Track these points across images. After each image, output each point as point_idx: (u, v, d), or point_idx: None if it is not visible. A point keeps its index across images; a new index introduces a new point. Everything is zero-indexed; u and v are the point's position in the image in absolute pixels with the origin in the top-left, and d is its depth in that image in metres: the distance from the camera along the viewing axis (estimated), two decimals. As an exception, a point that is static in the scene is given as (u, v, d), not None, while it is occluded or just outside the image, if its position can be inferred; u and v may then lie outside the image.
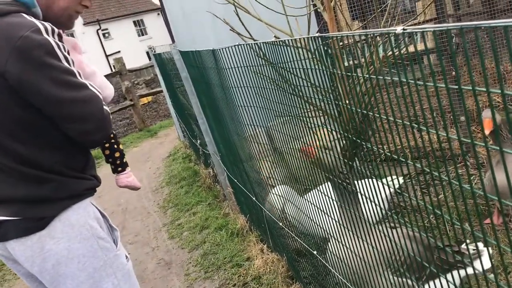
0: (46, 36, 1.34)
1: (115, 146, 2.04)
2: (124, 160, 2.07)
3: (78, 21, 32.25)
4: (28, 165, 1.45)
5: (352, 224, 1.71)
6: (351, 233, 1.70)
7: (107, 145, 2.03)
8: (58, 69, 1.36)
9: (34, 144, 1.44)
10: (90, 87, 1.45)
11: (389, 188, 1.44)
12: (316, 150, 1.88)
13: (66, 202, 1.51)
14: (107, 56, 33.00)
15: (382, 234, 1.47)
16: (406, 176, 2.85)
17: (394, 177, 1.98)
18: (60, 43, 1.39)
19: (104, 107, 1.51)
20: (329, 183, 1.92)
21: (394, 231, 1.43)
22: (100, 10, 34.71)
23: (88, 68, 1.63)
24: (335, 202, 1.84)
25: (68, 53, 1.43)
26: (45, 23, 1.38)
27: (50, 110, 1.40)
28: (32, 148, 1.44)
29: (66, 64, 1.39)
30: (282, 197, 2.64)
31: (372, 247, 1.56)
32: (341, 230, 1.79)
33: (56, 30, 1.41)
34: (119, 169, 2.05)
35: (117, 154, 2.03)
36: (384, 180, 1.44)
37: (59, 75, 1.36)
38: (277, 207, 2.73)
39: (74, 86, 1.39)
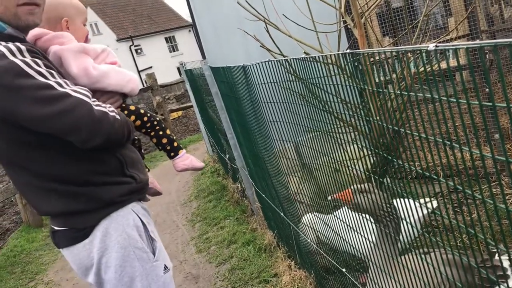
0: (12, 59, 1.31)
1: (160, 132, 2.03)
2: (175, 145, 2.05)
3: (112, 37, 33.18)
4: (57, 183, 1.48)
5: (387, 248, 1.68)
6: (385, 255, 1.67)
7: (152, 133, 2.01)
8: (32, 87, 1.31)
9: (54, 162, 1.46)
10: (73, 93, 1.37)
11: (426, 208, 1.41)
12: (352, 194, 1.87)
13: (104, 211, 1.53)
14: (139, 71, 33.71)
15: (416, 260, 1.43)
16: (438, 195, 2.79)
17: (427, 199, 1.94)
18: (30, 60, 1.34)
19: (98, 108, 1.42)
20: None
21: (428, 256, 1.39)
22: (133, 27, 35.61)
23: (95, 71, 1.60)
24: (367, 224, 1.82)
25: (46, 66, 1.38)
26: (10, 45, 1.33)
27: (41, 128, 1.37)
28: (54, 166, 1.46)
29: (40, 79, 1.33)
30: (313, 226, 2.61)
31: (408, 270, 1.52)
32: (375, 251, 1.76)
33: (23, 48, 1.35)
34: (172, 154, 2.05)
35: (164, 140, 2.03)
36: (417, 201, 1.41)
37: (34, 93, 1.31)
38: (311, 237, 2.70)
39: (52, 100, 1.33)
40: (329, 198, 2.03)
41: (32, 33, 1.58)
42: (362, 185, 1.79)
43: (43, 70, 1.36)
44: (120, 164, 1.58)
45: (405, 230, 1.54)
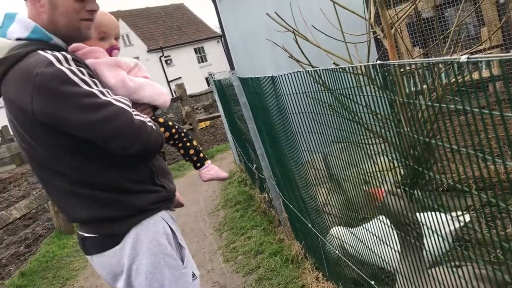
0: (59, 66, 1.36)
1: (188, 144, 2.08)
2: (201, 155, 2.11)
3: (143, 48, 33.89)
4: (91, 189, 1.50)
5: (415, 261, 1.65)
6: (414, 267, 1.65)
7: (180, 144, 2.07)
8: (77, 94, 1.37)
9: (90, 168, 1.49)
10: (115, 102, 1.44)
11: (458, 222, 1.39)
12: (385, 194, 1.85)
13: (136, 218, 1.56)
14: (168, 82, 34.27)
15: (447, 274, 1.40)
16: (470, 208, 2.73)
17: (459, 212, 1.91)
18: (75, 69, 1.40)
19: (137, 117, 1.48)
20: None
21: (460, 270, 1.37)
22: (163, 38, 36.28)
23: (132, 82, 1.65)
24: (396, 237, 1.80)
25: (89, 75, 1.44)
26: (57, 54, 1.40)
27: (84, 135, 1.42)
28: (90, 172, 1.49)
29: (85, 87, 1.39)
30: (341, 238, 2.59)
31: (438, 283, 1.50)
32: (402, 263, 1.74)
33: (69, 57, 1.41)
34: (198, 164, 2.11)
35: (191, 151, 2.08)
36: (448, 215, 1.39)
37: (79, 100, 1.37)
38: (339, 249, 2.67)
39: (96, 107, 1.39)
40: (363, 189, 2.01)
41: (70, 47, 1.64)
42: (396, 189, 1.78)
43: (87, 78, 1.42)
44: (151, 173, 1.62)
45: (435, 243, 1.51)
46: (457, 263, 1.53)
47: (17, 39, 1.45)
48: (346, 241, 2.54)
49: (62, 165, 1.48)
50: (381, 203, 1.84)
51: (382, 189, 1.85)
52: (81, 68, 1.43)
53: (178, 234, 1.71)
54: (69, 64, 1.40)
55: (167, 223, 1.65)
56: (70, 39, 1.54)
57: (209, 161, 2.14)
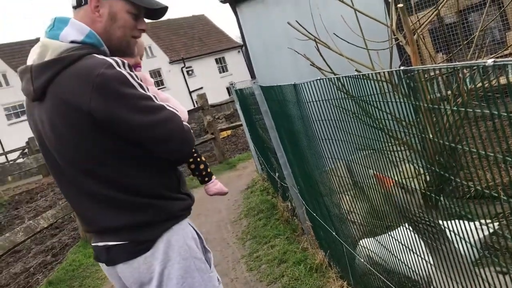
0: (119, 69, 1.43)
1: (198, 159, 2.14)
2: (209, 170, 2.18)
3: (165, 60, 34.35)
4: (127, 193, 1.52)
5: (446, 266, 1.62)
6: (444, 276, 1.61)
7: (191, 159, 2.13)
8: (136, 97, 1.44)
9: (129, 172, 1.52)
10: (168, 107, 1.52)
11: (487, 230, 1.36)
12: (392, 183, 1.84)
13: (167, 224, 1.58)
14: (190, 92, 34.60)
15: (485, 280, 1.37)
16: (499, 215, 2.66)
17: (488, 220, 1.87)
18: (132, 73, 1.47)
19: (184, 123, 1.57)
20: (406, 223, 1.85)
21: (502, 276, 1.33)
22: (185, 49, 36.70)
23: (162, 94, 1.72)
24: (421, 241, 1.77)
25: (141, 80, 1.51)
26: (116, 58, 1.46)
27: (136, 136, 1.47)
28: (128, 176, 1.52)
29: (141, 90, 1.46)
30: (368, 247, 2.56)
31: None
32: (434, 273, 1.70)
33: (126, 62, 1.49)
34: (206, 179, 2.16)
35: (201, 166, 2.15)
36: (477, 223, 1.36)
37: (137, 102, 1.44)
38: (365, 258, 2.65)
39: (153, 110, 1.46)
40: (371, 172, 2.00)
41: None
42: (407, 183, 1.75)
43: (142, 83, 1.50)
44: (178, 182, 1.66)
45: (463, 251, 1.48)
46: (503, 269, 1.49)
47: (71, 42, 1.49)
48: (374, 251, 2.51)
49: (104, 168, 1.50)
50: (386, 191, 1.83)
51: (391, 179, 1.83)
52: (136, 73, 1.51)
53: (203, 239, 1.75)
54: (125, 68, 1.46)
55: (193, 228, 1.70)
56: (118, 52, 1.60)
57: (214, 176, 2.22)
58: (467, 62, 0.95)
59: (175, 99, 1.79)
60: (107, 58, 1.45)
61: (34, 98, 1.50)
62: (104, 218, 1.57)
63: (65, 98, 1.43)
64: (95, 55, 1.46)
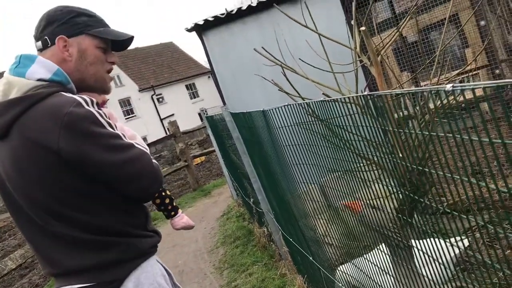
0: (87, 108, 1.41)
1: (163, 193, 2.11)
2: (175, 204, 2.15)
3: (134, 88, 34.18)
4: (92, 233, 1.48)
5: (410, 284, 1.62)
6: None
7: (156, 194, 2.09)
8: (105, 135, 1.42)
9: (96, 211, 1.48)
10: (136, 145, 1.51)
11: (458, 248, 1.36)
12: (362, 206, 1.85)
13: (135, 262, 1.54)
14: (161, 119, 34.40)
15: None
16: (473, 228, 2.69)
17: (458, 238, 1.89)
18: (101, 111, 1.45)
19: (153, 160, 1.56)
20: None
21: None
22: (154, 77, 36.63)
23: (128, 132, 1.70)
24: (389, 260, 1.77)
25: (109, 118, 1.49)
26: (84, 96, 1.44)
27: (105, 175, 1.44)
28: (95, 215, 1.48)
29: (110, 129, 1.44)
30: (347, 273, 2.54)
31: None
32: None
33: (94, 100, 1.47)
34: (172, 213, 2.12)
35: (167, 200, 2.12)
36: (448, 241, 1.37)
37: (107, 141, 1.41)
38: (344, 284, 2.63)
39: (122, 148, 1.45)
40: (342, 203, 2.00)
41: None
42: (376, 201, 1.76)
43: (110, 121, 1.47)
44: (145, 219, 1.63)
45: (436, 271, 1.48)
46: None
47: (38, 80, 1.46)
48: (353, 276, 2.50)
49: (70, 208, 1.45)
50: (360, 215, 1.83)
51: (360, 201, 1.85)
52: (104, 111, 1.48)
53: (172, 275, 1.72)
54: (94, 107, 1.44)
55: (162, 265, 1.66)
56: (94, 89, 1.60)
57: (180, 210, 2.17)
58: (428, 87, 0.96)
59: (139, 137, 1.77)
60: (75, 96, 1.42)
61: None
62: (69, 259, 1.51)
63: (32, 137, 1.38)
64: (63, 93, 1.44)
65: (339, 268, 2.67)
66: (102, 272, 1.50)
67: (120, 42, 1.66)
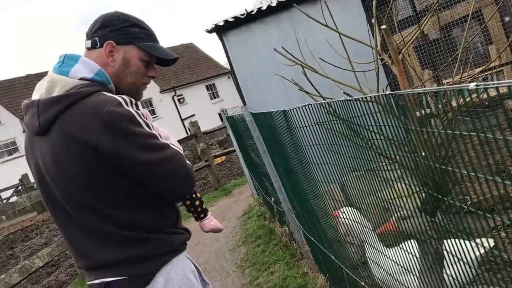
0: (127, 107, 1.46)
1: (194, 195, 2.13)
2: (204, 206, 2.16)
3: (155, 89, 34.51)
4: (127, 228, 1.53)
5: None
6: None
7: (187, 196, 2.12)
8: (143, 135, 1.47)
9: (130, 207, 1.53)
10: (172, 146, 1.55)
11: (483, 248, 1.36)
12: (396, 223, 1.84)
13: (166, 257, 1.58)
14: (182, 120, 34.65)
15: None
16: (499, 228, 2.66)
17: (483, 238, 1.88)
18: (139, 111, 1.51)
19: (187, 161, 1.60)
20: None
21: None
22: (175, 78, 36.91)
23: (163, 132, 1.74)
24: (417, 263, 1.76)
25: (147, 119, 1.54)
26: (124, 96, 1.50)
27: (140, 173, 1.49)
28: (129, 211, 1.53)
29: (147, 129, 1.50)
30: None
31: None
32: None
33: (133, 100, 1.52)
34: (202, 215, 2.14)
35: (197, 203, 2.13)
36: (472, 241, 1.36)
37: (144, 140, 1.47)
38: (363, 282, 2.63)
39: (158, 148, 1.49)
40: (377, 231, 1.99)
41: None
42: (404, 211, 1.75)
43: (148, 122, 1.54)
44: (176, 218, 1.69)
45: (461, 271, 1.47)
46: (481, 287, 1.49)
47: (80, 79, 1.52)
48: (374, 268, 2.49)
49: (105, 204, 1.51)
50: (398, 233, 1.82)
51: (391, 220, 1.84)
52: (142, 112, 1.54)
53: (201, 271, 1.76)
54: (133, 107, 1.50)
55: (191, 261, 1.70)
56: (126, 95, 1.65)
57: (209, 212, 2.18)
58: (451, 86, 0.97)
59: (173, 138, 1.81)
60: (116, 96, 1.48)
61: (38, 132, 1.52)
62: (102, 253, 1.56)
63: (72, 133, 1.44)
64: (103, 92, 1.50)
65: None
66: (134, 266, 1.55)
67: (165, 60, 1.72)
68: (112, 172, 1.47)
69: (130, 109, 1.47)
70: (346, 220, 2.58)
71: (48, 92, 1.51)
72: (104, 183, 1.48)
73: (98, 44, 1.60)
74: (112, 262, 1.55)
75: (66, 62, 1.56)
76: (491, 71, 4.14)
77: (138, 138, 1.46)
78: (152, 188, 1.54)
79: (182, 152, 1.60)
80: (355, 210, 2.49)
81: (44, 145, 1.52)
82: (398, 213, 1.79)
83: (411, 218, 1.78)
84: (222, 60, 40.93)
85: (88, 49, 1.63)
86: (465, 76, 3.20)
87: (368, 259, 2.52)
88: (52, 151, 1.49)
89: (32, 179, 19.66)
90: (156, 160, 1.48)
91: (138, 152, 1.45)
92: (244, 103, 6.72)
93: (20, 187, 19.95)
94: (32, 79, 32.90)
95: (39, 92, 1.55)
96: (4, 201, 19.35)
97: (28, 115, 1.55)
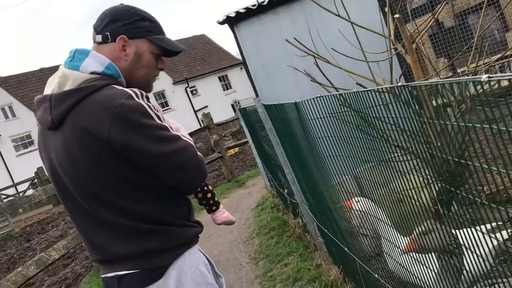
0: (138, 100, 1.47)
1: (205, 188, 2.12)
2: (216, 199, 2.16)
3: (168, 81, 34.63)
4: (139, 221, 1.54)
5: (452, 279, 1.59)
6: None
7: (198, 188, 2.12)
8: (154, 127, 1.48)
9: (142, 199, 1.54)
10: (183, 137, 1.56)
11: (496, 239, 1.33)
12: (417, 239, 1.82)
13: (179, 250, 1.59)
14: (195, 111, 34.75)
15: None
16: (510, 222, 2.62)
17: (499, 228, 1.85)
18: (150, 104, 1.51)
19: (198, 153, 1.60)
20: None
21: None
22: (188, 69, 36.98)
23: (174, 124, 1.74)
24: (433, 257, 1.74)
25: (158, 111, 1.55)
26: (134, 89, 1.51)
27: (152, 165, 1.50)
28: (141, 203, 1.53)
29: (158, 121, 1.51)
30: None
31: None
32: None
33: (144, 93, 1.54)
34: (214, 208, 2.14)
35: (209, 195, 2.13)
36: (486, 229, 1.34)
37: (155, 132, 1.48)
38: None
39: (169, 140, 1.50)
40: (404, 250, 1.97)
41: None
42: (423, 226, 1.73)
43: (159, 114, 1.55)
44: (189, 210, 1.69)
45: (474, 263, 1.45)
46: (493, 280, 1.46)
47: (91, 73, 1.54)
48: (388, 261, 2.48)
49: (118, 196, 1.52)
50: (420, 249, 1.80)
51: (411, 237, 1.82)
52: (153, 104, 1.55)
53: (213, 264, 1.75)
54: (143, 100, 1.51)
55: (204, 254, 1.70)
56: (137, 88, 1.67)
57: (221, 205, 2.18)
58: (464, 78, 0.94)
59: (184, 130, 1.81)
60: (127, 89, 1.50)
61: (51, 126, 1.53)
62: (115, 246, 1.57)
63: (84, 127, 1.46)
64: (114, 86, 1.52)
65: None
66: (147, 259, 1.55)
67: (171, 51, 1.73)
68: (125, 164, 1.48)
69: (141, 101, 1.48)
70: (358, 211, 2.56)
71: (60, 86, 1.52)
72: (116, 175, 1.49)
73: (110, 39, 1.61)
74: (125, 255, 1.56)
75: (77, 57, 1.57)
76: (507, 59, 4.06)
77: (150, 130, 1.47)
78: (164, 180, 1.55)
79: (193, 143, 1.61)
80: (368, 200, 2.47)
81: (57, 139, 1.53)
82: (417, 229, 1.76)
83: (431, 232, 1.75)
84: (234, 50, 40.83)
85: (99, 43, 1.63)
86: (480, 65, 3.14)
87: (383, 252, 2.50)
88: (64, 145, 1.50)
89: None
90: (168, 151, 1.49)
91: (150, 144, 1.46)
92: (257, 94, 6.71)
93: (36, 180, 20.24)
94: (46, 73, 33.27)
95: (50, 87, 1.56)
96: (21, 194, 19.65)
97: (41, 110, 1.56)
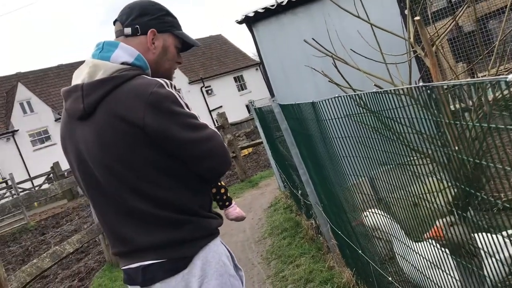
0: (169, 89, 1.53)
1: (219, 183, 2.14)
2: (229, 195, 2.17)
3: (184, 80, 34.83)
4: (167, 210, 1.55)
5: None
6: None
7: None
8: (184, 114, 1.53)
9: (172, 188, 1.56)
10: (210, 126, 1.61)
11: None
12: (444, 229, 1.80)
13: (203, 241, 1.61)
14: (210, 111, 34.88)
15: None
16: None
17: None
18: (179, 93, 1.57)
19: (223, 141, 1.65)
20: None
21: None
22: (204, 69, 37.14)
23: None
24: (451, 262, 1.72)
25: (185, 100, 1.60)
26: (164, 79, 1.56)
27: (182, 152, 1.54)
28: (171, 192, 1.56)
29: (187, 109, 1.56)
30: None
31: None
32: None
33: (172, 83, 1.59)
34: (227, 203, 2.15)
35: (222, 190, 2.14)
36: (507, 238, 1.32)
37: (186, 120, 1.53)
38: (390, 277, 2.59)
39: (199, 127, 1.56)
40: (425, 236, 1.94)
41: None
42: (450, 218, 1.71)
43: (187, 103, 1.60)
44: (210, 202, 1.72)
45: (492, 268, 1.43)
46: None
47: (121, 63, 1.59)
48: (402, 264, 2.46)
49: (149, 184, 1.54)
50: (446, 239, 1.77)
51: (436, 225, 1.79)
52: (180, 95, 1.60)
53: (234, 256, 1.77)
54: (173, 89, 1.57)
55: (225, 246, 1.72)
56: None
57: (234, 201, 2.19)
58: (487, 78, 0.93)
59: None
60: (157, 79, 1.55)
61: (82, 115, 1.56)
62: (142, 236, 1.58)
63: (118, 113, 1.50)
64: (144, 76, 1.58)
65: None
66: (173, 249, 1.57)
67: (189, 46, 1.82)
68: (157, 151, 1.52)
69: (172, 90, 1.54)
70: (371, 223, 2.55)
71: (91, 76, 1.56)
72: (149, 161, 1.53)
73: (140, 32, 1.67)
74: (151, 245, 1.57)
75: (106, 48, 1.62)
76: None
77: (181, 118, 1.52)
78: (191, 167, 1.58)
79: (219, 133, 1.65)
80: (379, 211, 2.45)
81: (87, 129, 1.56)
82: (444, 219, 1.74)
83: (459, 225, 1.73)
84: (250, 51, 40.89)
85: (126, 35, 1.68)
86: (501, 70, 3.10)
87: (396, 254, 2.48)
88: (96, 132, 1.53)
89: (63, 167, 20.18)
90: (197, 138, 1.54)
91: (181, 130, 1.51)
92: (272, 95, 6.70)
93: (51, 175, 20.51)
94: (63, 69, 33.68)
95: (80, 78, 1.59)
96: (37, 188, 19.93)
97: (70, 100, 1.59)
